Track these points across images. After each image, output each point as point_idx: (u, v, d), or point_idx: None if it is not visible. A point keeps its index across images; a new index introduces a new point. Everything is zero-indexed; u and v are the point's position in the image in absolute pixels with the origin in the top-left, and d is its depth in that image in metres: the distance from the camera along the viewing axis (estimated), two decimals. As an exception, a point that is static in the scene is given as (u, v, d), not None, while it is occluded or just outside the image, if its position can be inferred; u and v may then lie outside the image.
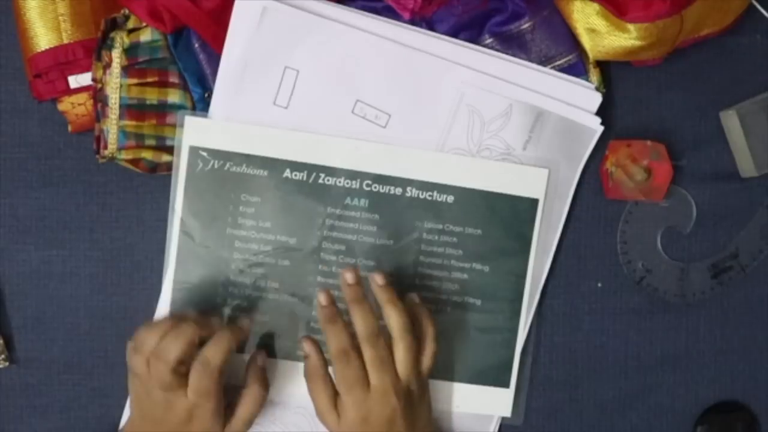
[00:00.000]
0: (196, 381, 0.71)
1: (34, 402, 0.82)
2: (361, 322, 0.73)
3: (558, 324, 0.84)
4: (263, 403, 0.76)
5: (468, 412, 0.82)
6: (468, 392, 0.81)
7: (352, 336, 0.73)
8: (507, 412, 0.82)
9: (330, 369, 0.75)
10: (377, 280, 0.75)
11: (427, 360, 0.76)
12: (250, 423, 0.76)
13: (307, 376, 0.76)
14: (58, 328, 0.81)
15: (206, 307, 0.78)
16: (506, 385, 0.82)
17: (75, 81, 0.77)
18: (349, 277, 0.75)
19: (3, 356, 0.80)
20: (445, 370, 0.81)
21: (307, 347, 0.77)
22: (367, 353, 0.73)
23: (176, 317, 0.73)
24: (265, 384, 0.77)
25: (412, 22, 0.78)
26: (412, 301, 0.77)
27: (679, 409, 0.85)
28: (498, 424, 0.83)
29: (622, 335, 0.85)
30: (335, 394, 0.74)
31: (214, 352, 0.71)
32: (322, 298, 0.76)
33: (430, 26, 0.79)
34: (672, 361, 0.85)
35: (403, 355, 0.74)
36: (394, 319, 0.74)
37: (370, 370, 0.73)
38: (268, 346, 0.79)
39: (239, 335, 0.76)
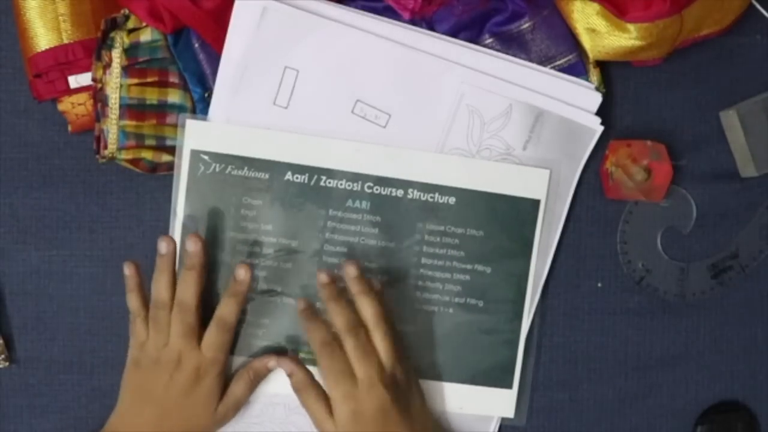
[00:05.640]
0: (213, 336, 0.75)
1: (34, 402, 0.82)
2: (338, 317, 0.74)
3: (558, 324, 0.84)
4: (253, 387, 0.78)
5: (471, 414, 0.82)
6: (471, 393, 0.81)
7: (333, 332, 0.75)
8: (510, 412, 0.82)
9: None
10: (350, 272, 0.76)
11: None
12: (239, 403, 0.77)
13: (297, 391, 0.76)
14: (58, 328, 0.81)
15: (208, 313, 0.78)
16: (509, 385, 0.82)
17: (75, 81, 0.77)
18: (323, 277, 0.76)
19: (3, 356, 0.80)
20: (448, 371, 0.81)
21: (287, 366, 0.77)
22: (348, 344, 0.73)
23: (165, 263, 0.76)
24: (258, 374, 0.78)
25: (412, 22, 0.78)
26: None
27: (679, 409, 0.86)
28: (498, 425, 0.83)
29: (622, 335, 0.85)
30: (328, 401, 0.74)
31: (226, 311, 0.76)
32: (301, 304, 0.77)
33: (430, 26, 0.79)
34: (672, 361, 0.85)
35: (382, 343, 0.74)
36: (366, 309, 0.75)
37: (354, 362, 0.73)
38: (270, 348, 0.79)
39: (245, 288, 0.77)
